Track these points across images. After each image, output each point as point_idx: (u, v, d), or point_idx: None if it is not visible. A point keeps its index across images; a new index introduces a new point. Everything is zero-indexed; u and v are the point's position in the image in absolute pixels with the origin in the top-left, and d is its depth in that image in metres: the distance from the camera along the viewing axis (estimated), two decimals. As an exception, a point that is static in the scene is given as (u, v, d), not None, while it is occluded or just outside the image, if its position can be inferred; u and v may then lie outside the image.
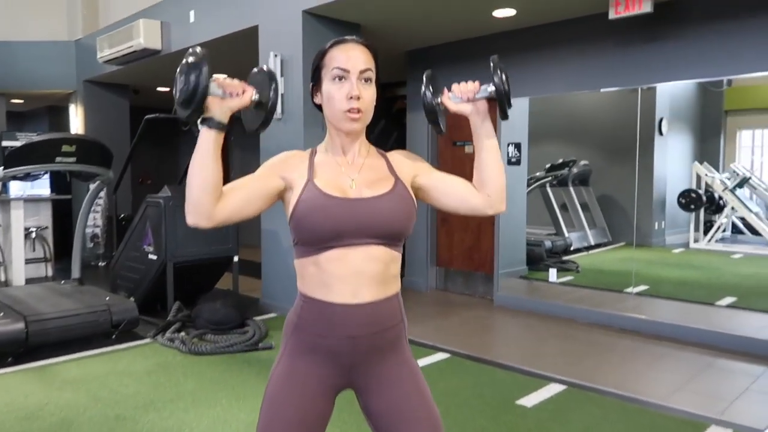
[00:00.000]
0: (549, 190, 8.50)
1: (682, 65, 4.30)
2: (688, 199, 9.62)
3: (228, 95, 1.24)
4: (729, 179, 9.48)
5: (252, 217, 1.36)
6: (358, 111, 1.32)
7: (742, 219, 9.57)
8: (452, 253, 6.05)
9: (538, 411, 3.04)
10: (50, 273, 6.76)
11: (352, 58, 1.32)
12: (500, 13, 4.67)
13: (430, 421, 1.37)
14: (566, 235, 8.33)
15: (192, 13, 5.78)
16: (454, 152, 5.93)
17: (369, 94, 1.33)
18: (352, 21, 4.94)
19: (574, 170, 8.86)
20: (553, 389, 3.33)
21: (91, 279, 5.61)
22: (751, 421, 2.89)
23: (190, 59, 1.20)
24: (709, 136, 11.16)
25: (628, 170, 9.30)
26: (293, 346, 1.37)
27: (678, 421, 2.93)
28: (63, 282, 4.92)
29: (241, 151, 9.72)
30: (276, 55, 4.81)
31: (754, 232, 9.30)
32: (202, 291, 4.91)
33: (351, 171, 1.36)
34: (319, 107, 1.40)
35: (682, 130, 10.41)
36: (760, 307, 5.17)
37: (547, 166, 8.24)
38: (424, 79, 1.40)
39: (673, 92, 9.73)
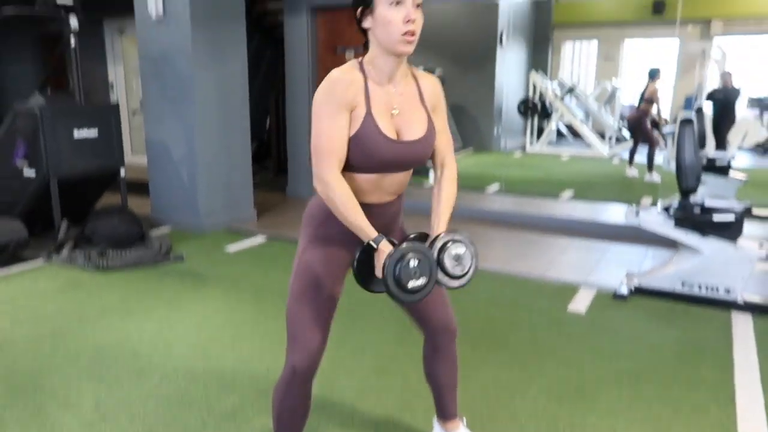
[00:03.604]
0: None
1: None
2: (526, 107, 10.73)
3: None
4: (558, 88, 10.68)
5: None
6: (413, 33, 1.46)
7: (566, 125, 10.96)
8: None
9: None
10: None
11: None
12: None
13: None
14: (426, 141, 8.94)
15: None
16: (335, 60, 6.01)
17: (421, 18, 1.48)
18: None
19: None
20: (454, 272, 3.84)
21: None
22: (607, 282, 3.66)
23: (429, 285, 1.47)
24: (540, 48, 12.33)
25: (474, 80, 10.08)
26: (324, 233, 1.60)
27: (556, 287, 3.62)
28: None
29: (82, 58, 8.72)
30: (152, -51, 4.43)
31: (575, 135, 10.75)
32: (84, 209, 4.65)
33: (395, 101, 1.54)
34: (364, 31, 1.51)
35: (519, 42, 11.36)
36: (592, 197, 6.23)
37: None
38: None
39: (511, 6, 10.53)
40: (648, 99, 7.41)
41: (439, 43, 9.87)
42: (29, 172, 4.21)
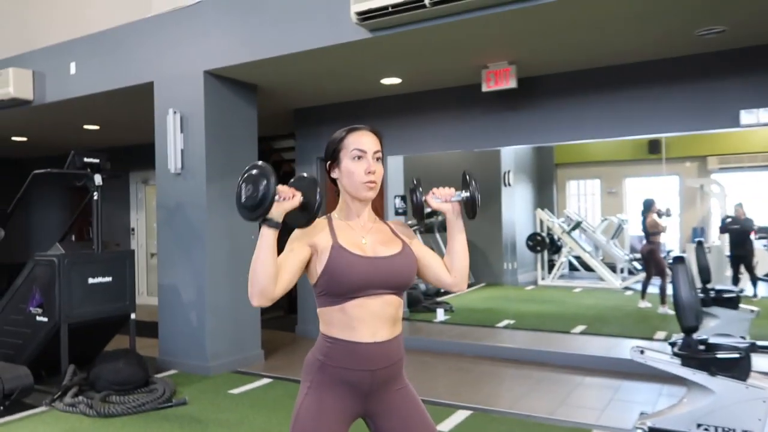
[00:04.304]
0: (419, 237, 9.19)
1: (536, 132, 5.15)
2: (535, 242, 10.89)
3: (282, 199, 1.48)
4: (565, 223, 10.91)
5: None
6: (374, 182, 1.64)
7: (577, 258, 11.05)
8: (342, 300, 6.32)
9: (455, 434, 3.42)
10: None
11: (366, 142, 1.65)
12: (387, 81, 5.23)
13: (432, 431, 1.70)
14: (436, 278, 9.03)
15: (73, 65, 5.63)
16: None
17: (380, 169, 1.66)
18: (248, 82, 5.20)
19: (440, 218, 9.65)
20: (461, 415, 3.73)
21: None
22: (620, 424, 3.53)
23: (256, 172, 1.45)
24: (545, 186, 12.80)
25: (482, 218, 10.38)
26: (319, 382, 1.60)
27: (567, 429, 3.48)
28: (-75, 353, 4.40)
29: (108, 205, 9.23)
30: (175, 112, 4.89)
31: (586, 268, 10.79)
32: (92, 353, 4.68)
33: (363, 232, 1.67)
34: (334, 180, 1.70)
35: (524, 181, 11.82)
36: (605, 332, 6.13)
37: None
38: (415, 183, 1.73)
39: (516, 148, 11.13)
40: (653, 232, 7.54)
41: (447, 185, 10.33)
42: (42, 318, 4.33)
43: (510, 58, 4.61)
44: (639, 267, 10.15)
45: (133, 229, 8.98)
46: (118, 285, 4.62)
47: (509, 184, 10.81)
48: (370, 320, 1.59)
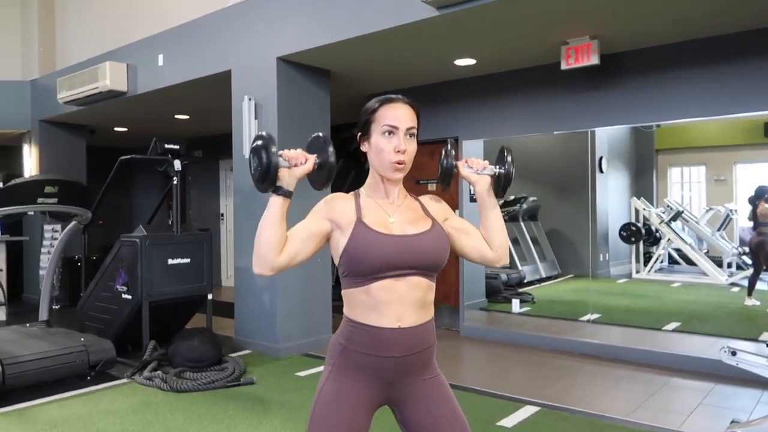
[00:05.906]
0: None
1: (623, 111, 4.77)
2: (629, 232, 10.23)
3: (293, 165, 1.46)
4: (664, 213, 10.17)
5: (306, 260, 1.53)
6: (402, 162, 1.52)
7: (677, 250, 10.26)
8: (417, 287, 6.25)
9: (518, 431, 3.25)
10: (3, 317, 6.54)
11: (400, 116, 1.51)
12: (461, 62, 5.04)
13: (461, 425, 1.57)
14: (520, 268, 8.72)
15: (161, 57, 5.90)
16: (417, 190, 6.20)
17: (412, 148, 1.53)
18: (322, 67, 5.20)
19: (524, 206, 9.30)
20: (528, 411, 3.54)
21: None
22: (706, 431, 3.19)
23: (259, 143, 1.44)
24: (643, 173, 11.97)
25: (572, 206, 9.88)
26: (340, 366, 1.53)
27: (644, 434, 3.21)
28: (29, 325, 4.81)
29: (199, 191, 9.72)
30: (250, 99, 4.99)
31: (688, 262, 9.99)
32: (173, 331, 4.91)
33: (391, 210, 1.56)
34: (364, 154, 1.59)
35: (619, 168, 11.12)
36: (702, 330, 5.63)
37: (500, 202, 8.65)
38: (447, 146, 1.61)
39: (610, 132, 10.46)
40: (764, 222, 6.85)
41: (533, 170, 9.92)
42: (127, 296, 4.59)
43: (591, 33, 4.28)
44: (749, 261, 9.28)
45: (222, 215, 9.38)
46: (196, 266, 4.81)
47: (602, 171, 10.21)
48: (396, 304, 1.48)
